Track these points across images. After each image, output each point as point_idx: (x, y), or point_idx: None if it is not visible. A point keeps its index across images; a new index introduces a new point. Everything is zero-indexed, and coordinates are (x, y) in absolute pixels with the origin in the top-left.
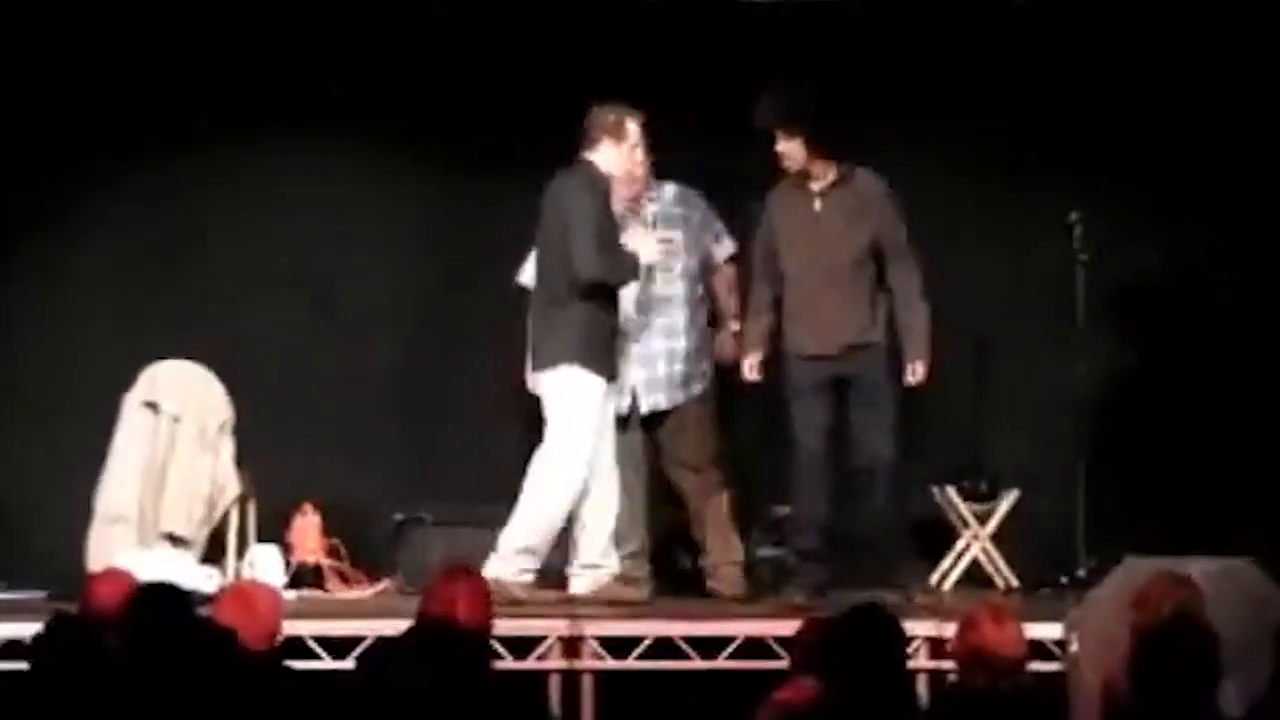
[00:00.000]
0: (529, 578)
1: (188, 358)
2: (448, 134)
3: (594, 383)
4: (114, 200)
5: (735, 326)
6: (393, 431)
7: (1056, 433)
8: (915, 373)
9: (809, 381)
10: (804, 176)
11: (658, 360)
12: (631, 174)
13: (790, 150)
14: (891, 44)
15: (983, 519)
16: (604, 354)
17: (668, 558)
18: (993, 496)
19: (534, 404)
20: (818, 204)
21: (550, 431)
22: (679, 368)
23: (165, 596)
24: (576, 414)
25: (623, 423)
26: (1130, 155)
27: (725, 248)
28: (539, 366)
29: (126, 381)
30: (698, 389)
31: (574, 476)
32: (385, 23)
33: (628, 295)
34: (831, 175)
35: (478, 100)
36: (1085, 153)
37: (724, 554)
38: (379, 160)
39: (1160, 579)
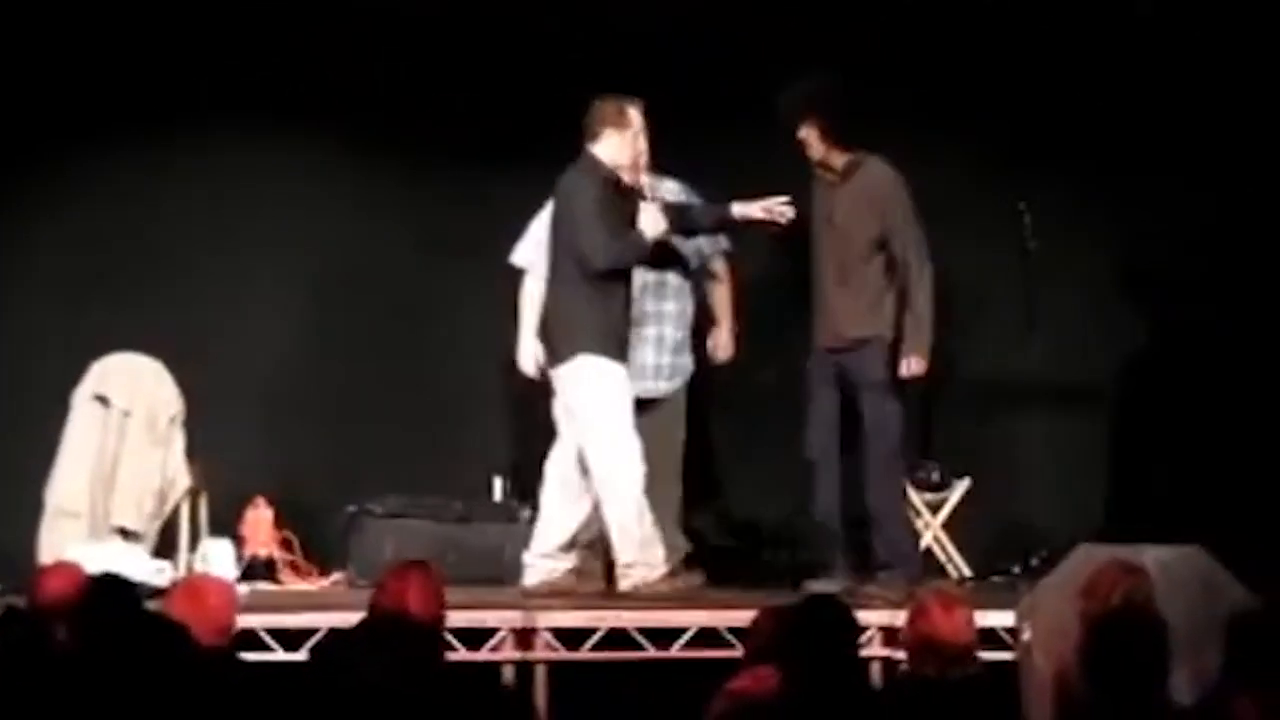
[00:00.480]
0: (665, 567)
1: (139, 351)
2: (405, 128)
3: (614, 368)
4: (65, 194)
5: (729, 326)
6: (345, 424)
7: (1008, 422)
8: (909, 366)
9: (821, 374)
10: (824, 167)
11: (648, 347)
12: (636, 160)
13: (808, 139)
14: (863, 39)
15: (935, 508)
16: (620, 341)
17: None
18: (944, 486)
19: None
20: (833, 195)
21: (586, 423)
22: (666, 359)
23: (115, 589)
24: (603, 399)
25: None
26: (1089, 146)
27: (719, 244)
28: (559, 359)
29: (77, 375)
30: (678, 381)
31: (628, 455)
32: (354, 15)
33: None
34: (843, 165)
35: (440, 94)
36: (1043, 144)
37: (672, 548)
38: (334, 155)
39: (1111, 567)
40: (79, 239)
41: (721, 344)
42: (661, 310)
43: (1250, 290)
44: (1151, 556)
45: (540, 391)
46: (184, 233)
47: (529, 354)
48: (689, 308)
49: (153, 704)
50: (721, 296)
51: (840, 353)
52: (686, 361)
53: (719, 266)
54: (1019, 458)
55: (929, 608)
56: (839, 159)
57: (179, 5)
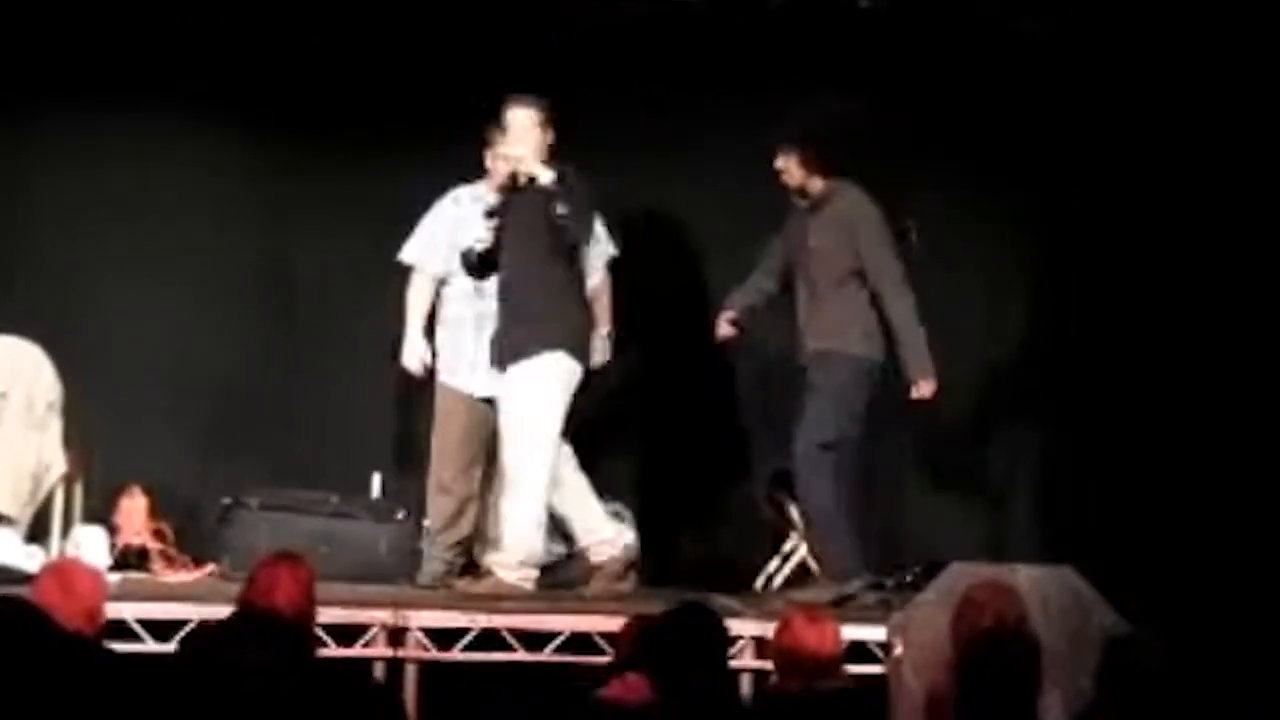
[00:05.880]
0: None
1: (18, 335)
2: (297, 116)
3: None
4: None
5: (605, 330)
6: (224, 415)
7: (886, 435)
8: (918, 390)
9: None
10: (800, 194)
11: None
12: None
13: (786, 167)
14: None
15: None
16: None
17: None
18: None
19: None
20: (809, 222)
21: None
22: None
23: None
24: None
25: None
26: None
27: (603, 250)
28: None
29: None
30: None
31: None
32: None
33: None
34: (817, 193)
35: (318, 74)
36: (916, 156)
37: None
38: (222, 142)
39: (984, 587)
40: None
41: (599, 348)
42: None
43: (1129, 307)
44: (1024, 575)
45: (426, 389)
46: (66, 216)
47: (417, 352)
48: None
49: (11, 688)
50: (602, 302)
51: (806, 368)
52: None
53: (602, 273)
54: (895, 472)
55: (793, 620)
56: (815, 186)
57: None
